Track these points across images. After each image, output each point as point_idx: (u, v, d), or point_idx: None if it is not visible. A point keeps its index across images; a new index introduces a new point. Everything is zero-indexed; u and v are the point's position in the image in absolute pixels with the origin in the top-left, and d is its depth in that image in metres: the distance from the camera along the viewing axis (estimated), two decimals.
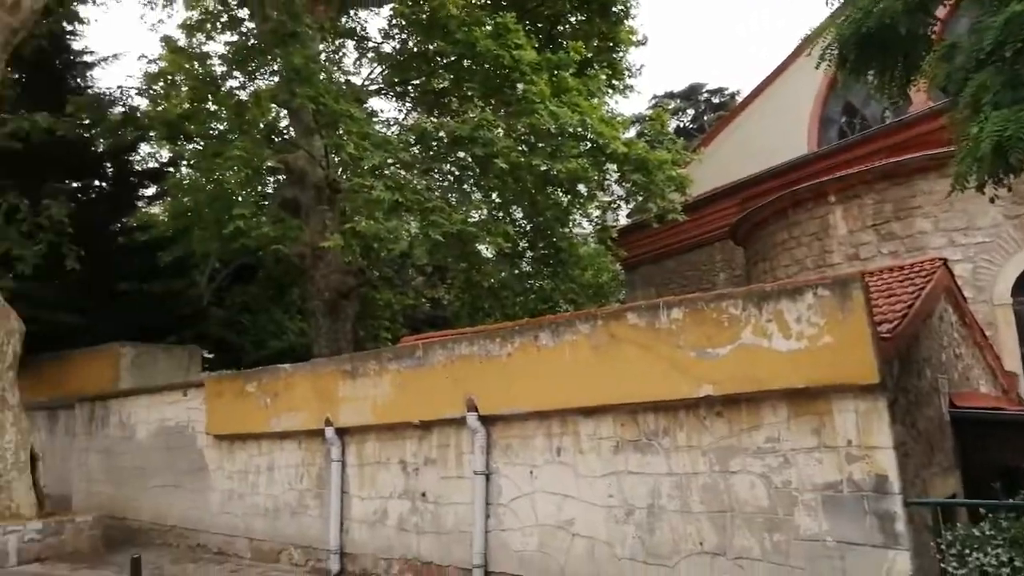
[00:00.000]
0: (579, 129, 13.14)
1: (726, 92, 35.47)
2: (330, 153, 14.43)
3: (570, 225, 16.66)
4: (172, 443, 11.77)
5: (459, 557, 7.83)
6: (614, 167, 14.40)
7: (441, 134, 13.96)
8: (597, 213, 17.38)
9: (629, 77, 16.73)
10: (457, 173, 15.59)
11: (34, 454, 11.87)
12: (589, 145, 13.67)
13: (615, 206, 17.34)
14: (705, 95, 36.03)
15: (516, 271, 16.89)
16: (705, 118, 34.36)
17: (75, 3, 16.33)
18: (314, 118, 13.77)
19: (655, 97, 35.54)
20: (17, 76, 15.60)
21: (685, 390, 6.09)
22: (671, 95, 35.81)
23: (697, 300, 6.13)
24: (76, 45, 17.31)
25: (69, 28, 16.82)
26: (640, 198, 15.36)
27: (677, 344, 6.11)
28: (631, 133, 16.47)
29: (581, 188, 15.12)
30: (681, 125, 34.15)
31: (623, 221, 19.71)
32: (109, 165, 17.76)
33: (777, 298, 5.65)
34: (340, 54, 16.87)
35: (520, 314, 14.84)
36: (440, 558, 8.06)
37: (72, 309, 15.07)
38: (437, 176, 15.73)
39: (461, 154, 14.04)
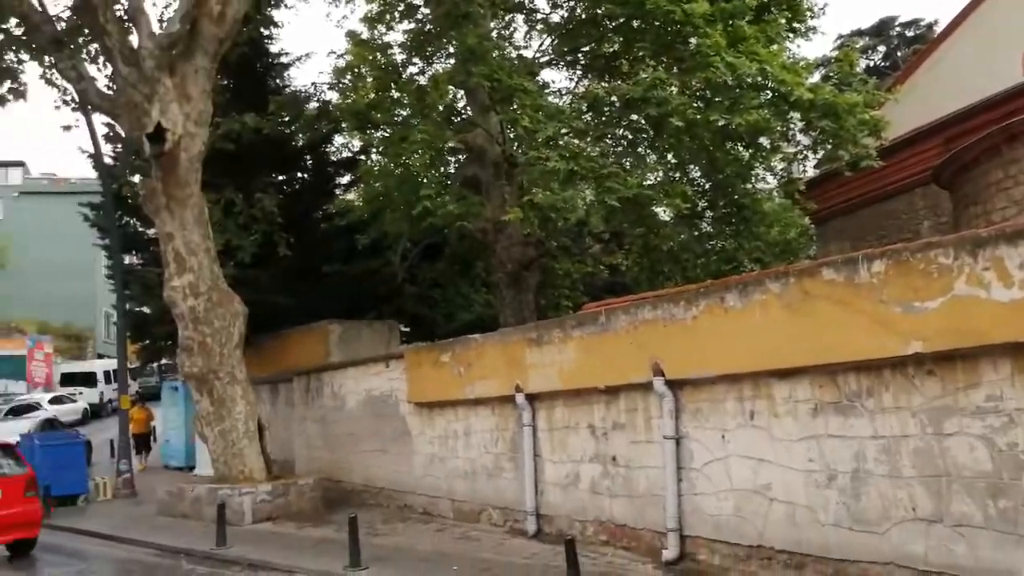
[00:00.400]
0: (758, 79, 12.47)
1: (921, 24, 32.22)
2: (506, 128, 14.73)
3: (752, 181, 15.92)
4: (378, 411, 12.67)
5: (652, 520, 7.86)
6: (798, 115, 13.55)
7: (613, 98, 13.81)
8: (782, 166, 16.49)
9: (811, 18, 15.57)
10: (630, 137, 15.38)
11: (261, 424, 13.22)
12: (770, 95, 12.95)
13: (801, 157, 16.35)
14: (897, 29, 32.92)
15: (696, 232, 16.43)
16: (899, 54, 31.42)
17: (270, 9, 17.69)
18: (489, 96, 14.10)
19: (841, 37, 32.86)
20: (225, 82, 17.19)
21: (891, 348, 5.69)
22: (859, 33, 33.04)
23: (901, 251, 5.68)
24: (273, 48, 18.81)
25: (266, 33, 18.27)
26: (829, 146, 14.38)
27: (880, 299, 5.71)
28: (816, 78, 15.35)
29: (763, 141, 14.38)
30: (872, 64, 31.45)
31: (811, 172, 18.57)
32: (308, 157, 19.22)
33: (995, 243, 5.11)
34: (510, 29, 17.09)
35: (701, 276, 14.44)
36: (634, 521, 8.14)
37: (284, 292, 16.54)
38: (610, 141, 15.60)
39: (634, 117, 13.81)
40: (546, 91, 16.19)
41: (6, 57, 14.19)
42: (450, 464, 11.04)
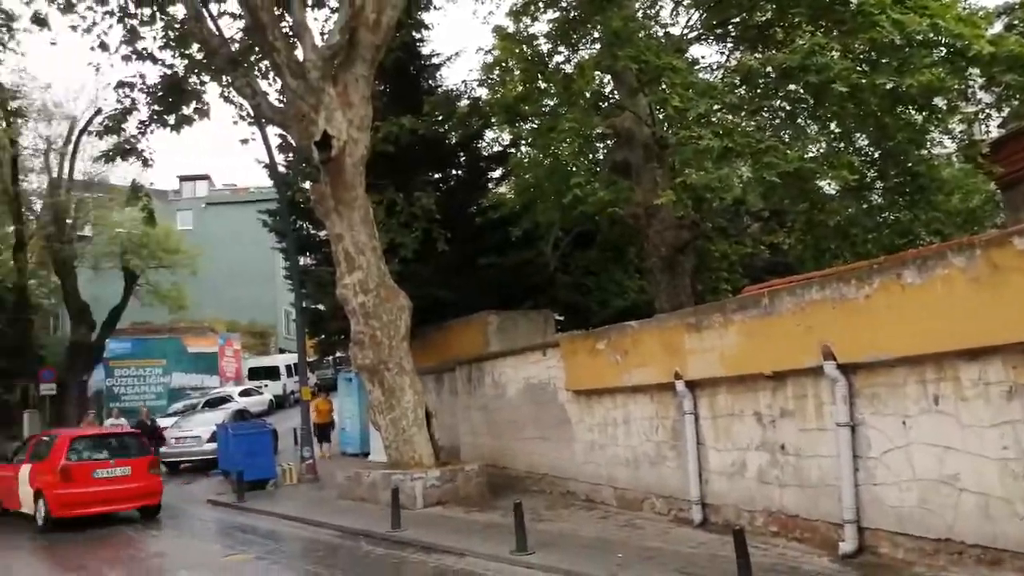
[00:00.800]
0: (930, 35, 11.48)
1: None
2: (655, 109, 14.45)
3: (927, 146, 14.68)
4: (537, 398, 12.87)
5: (827, 511, 7.49)
6: (978, 71, 12.36)
7: (768, 69, 13.19)
8: (961, 128, 15.11)
9: None
10: (788, 108, 14.61)
11: (428, 411, 13.77)
12: (944, 51, 11.89)
13: (983, 116, 14.92)
14: None
15: (865, 205, 15.37)
16: None
17: (420, 12, 18.31)
18: (637, 77, 13.88)
19: None
20: (382, 87, 18.00)
21: None
22: None
23: None
24: (425, 50, 19.46)
25: (418, 36, 18.96)
26: (1016, 102, 13.02)
27: None
28: (997, 28, 13.93)
29: (938, 102, 13.22)
30: None
31: (994, 132, 16.86)
32: (461, 154, 19.77)
33: None
34: (656, 8, 16.72)
35: (873, 252, 13.51)
36: (806, 511, 7.79)
37: (444, 285, 17.14)
38: (767, 115, 14.91)
39: (792, 87, 13.13)
40: (696, 68, 15.72)
41: (190, 80, 15.58)
42: (610, 451, 11.03)
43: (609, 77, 15.96)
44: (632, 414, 10.55)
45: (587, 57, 15.39)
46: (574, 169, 15.29)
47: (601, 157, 17.37)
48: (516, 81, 15.89)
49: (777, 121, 14.79)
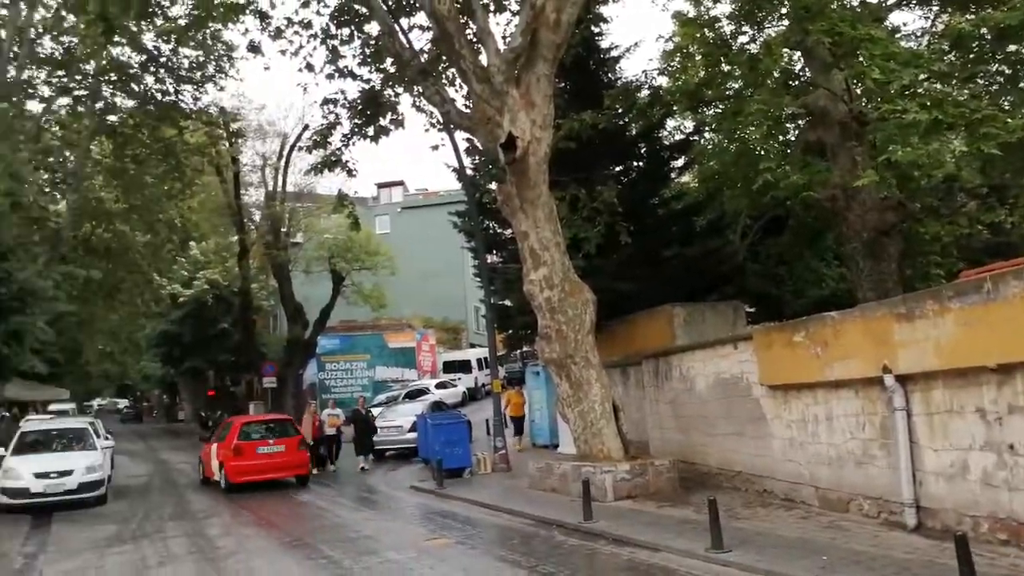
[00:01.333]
0: None
1: None
2: (851, 84, 13.54)
3: None
4: (729, 393, 12.48)
5: None
6: None
7: (982, 31, 11.94)
8: None
9: None
10: (1008, 72, 13.16)
11: (616, 405, 13.78)
12: None
13: None
14: None
15: None
16: None
17: (598, 6, 18.32)
18: (830, 51, 13.07)
19: None
20: (563, 84, 18.19)
21: None
22: None
23: None
24: (603, 44, 19.41)
25: (596, 31, 18.96)
26: None
27: None
28: None
29: None
30: None
31: None
32: (642, 145, 19.55)
33: None
34: None
35: None
36: None
37: (626, 278, 17.05)
38: (982, 81, 13.50)
39: (1012, 47, 11.81)
40: (897, 36, 14.53)
41: (386, 93, 16.61)
42: (811, 449, 10.48)
43: (799, 54, 15.14)
44: (834, 410, 9.96)
45: (774, 35, 14.68)
46: (763, 153, 14.67)
47: (792, 139, 16.53)
48: (698, 66, 15.50)
49: (995, 87, 13.35)
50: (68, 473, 15.75)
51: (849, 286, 16.20)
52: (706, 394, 13.26)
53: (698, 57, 15.39)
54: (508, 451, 18.14)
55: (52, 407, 39.36)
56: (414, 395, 28.23)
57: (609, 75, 19.35)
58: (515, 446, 20.48)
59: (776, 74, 14.38)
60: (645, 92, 18.20)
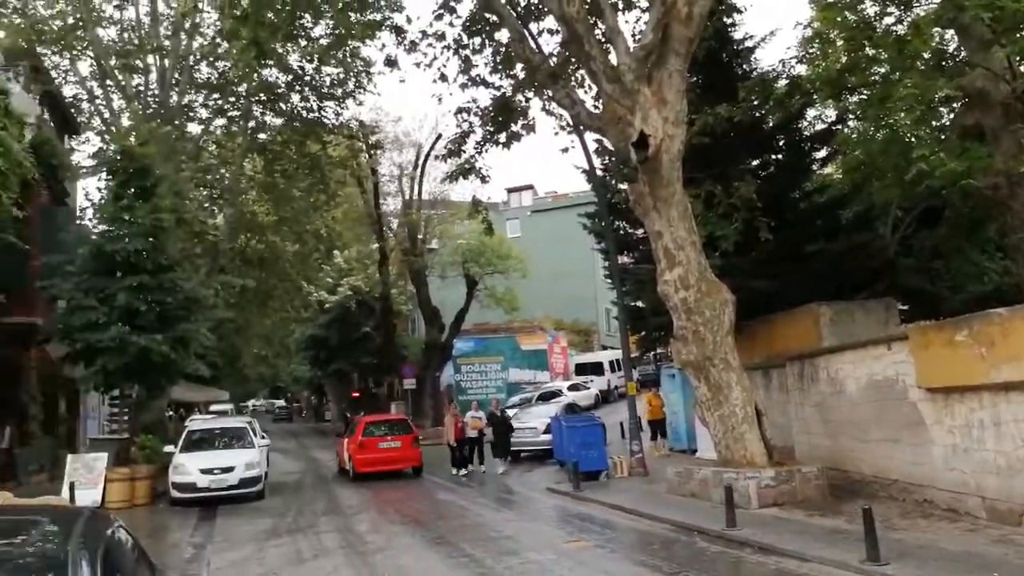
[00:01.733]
0: None
1: None
2: (1014, 62, 12.45)
3: None
4: (882, 396, 11.77)
5: None
6: None
7: None
8: None
9: None
10: None
11: (758, 409, 13.29)
12: None
13: None
14: None
15: None
16: None
17: None
18: (989, 28, 12.06)
19: None
20: (695, 78, 17.78)
21: None
22: None
23: None
24: (736, 35, 18.83)
25: (729, 21, 18.41)
26: None
27: None
28: None
29: None
30: None
31: None
32: (781, 137, 18.79)
33: None
34: None
35: None
36: None
37: (766, 276, 16.43)
38: None
39: None
40: None
41: (516, 99, 16.84)
42: (977, 457, 9.71)
43: (952, 32, 14.10)
44: (1002, 415, 9.19)
45: (923, 14, 13.73)
46: (915, 140, 13.74)
47: (947, 123, 15.41)
48: (839, 51, 14.73)
49: None
50: (230, 470, 16.97)
51: (1015, 280, 14.91)
52: (857, 397, 12.57)
53: (839, 42, 14.64)
54: (645, 455, 17.89)
55: (213, 407, 42.58)
56: (547, 397, 28.40)
57: (743, 66, 18.73)
58: (655, 451, 20.07)
59: (927, 55, 13.45)
60: (783, 82, 17.49)
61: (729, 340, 13.33)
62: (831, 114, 17.79)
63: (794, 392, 14.93)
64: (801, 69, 16.80)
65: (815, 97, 16.37)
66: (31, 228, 17.55)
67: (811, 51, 15.61)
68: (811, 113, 18.95)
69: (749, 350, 16.28)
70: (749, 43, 18.83)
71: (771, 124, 18.17)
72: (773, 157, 19.09)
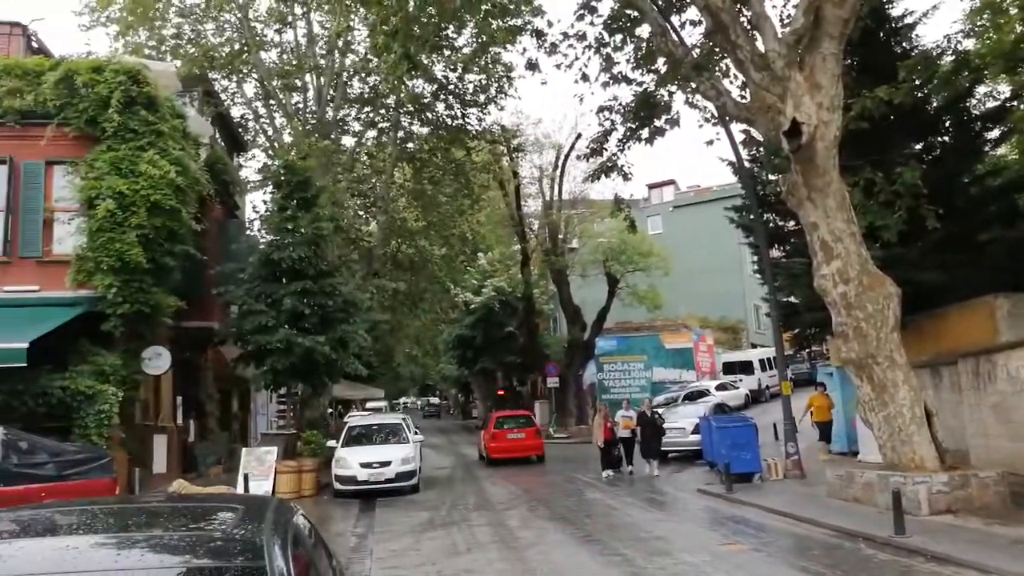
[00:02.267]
0: None
1: None
2: None
3: None
4: None
5: None
6: None
7: None
8: None
9: None
10: None
11: (928, 409, 12.43)
12: None
13: None
14: None
15: None
16: None
17: None
18: None
19: None
20: (849, 61, 16.83)
21: None
22: None
23: None
24: (894, 12, 17.68)
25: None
26: None
27: None
28: None
29: None
30: None
31: None
32: (947, 118, 17.47)
33: None
34: None
35: None
36: None
37: (933, 267, 15.34)
38: None
39: None
40: None
41: (659, 93, 16.58)
42: None
43: None
44: None
45: None
46: None
47: None
48: (1013, 21, 13.54)
49: None
50: (387, 464, 17.80)
51: None
52: None
53: (1013, 11, 13.46)
54: (801, 457, 17.12)
55: (369, 405, 44.74)
56: (693, 397, 27.78)
57: (903, 45, 17.54)
58: (820, 454, 18.96)
59: None
60: (948, 59, 16.28)
61: (895, 336, 12.55)
62: (1004, 90, 16.33)
63: (968, 392, 13.85)
64: (969, 43, 15.61)
65: (986, 73, 15.15)
66: (207, 240, 19.15)
67: (980, 23, 14.44)
68: (981, 90, 17.54)
69: (916, 347, 15.22)
70: (908, 20, 17.64)
71: (936, 104, 16.95)
72: (939, 140, 17.80)
